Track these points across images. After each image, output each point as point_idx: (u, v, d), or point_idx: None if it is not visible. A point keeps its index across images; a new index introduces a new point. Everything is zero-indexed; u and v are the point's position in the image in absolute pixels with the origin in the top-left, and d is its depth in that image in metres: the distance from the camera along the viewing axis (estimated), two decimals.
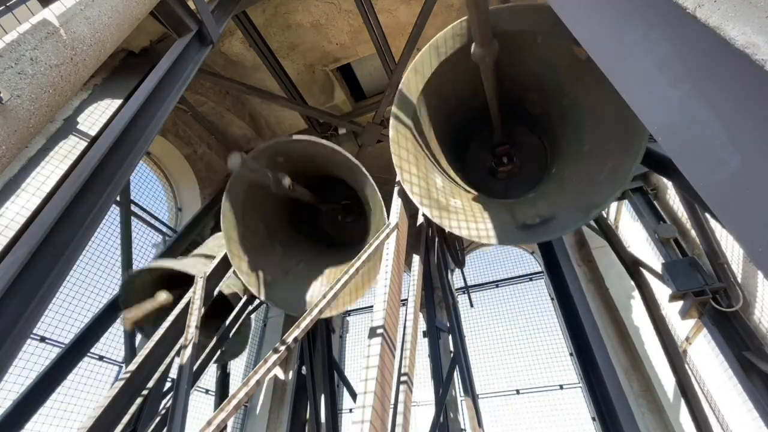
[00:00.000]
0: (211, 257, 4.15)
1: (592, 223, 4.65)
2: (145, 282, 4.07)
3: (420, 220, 3.40)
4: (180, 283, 3.97)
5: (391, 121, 2.83)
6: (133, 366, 2.75)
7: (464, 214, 2.72)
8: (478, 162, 3.52)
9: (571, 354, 5.86)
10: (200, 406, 5.98)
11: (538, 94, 2.97)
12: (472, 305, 7.00)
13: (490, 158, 3.42)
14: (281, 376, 6.93)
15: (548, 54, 2.59)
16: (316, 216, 4.74)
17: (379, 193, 3.37)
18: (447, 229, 2.68)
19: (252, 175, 3.06)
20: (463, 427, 5.26)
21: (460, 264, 6.18)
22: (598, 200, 2.39)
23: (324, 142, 3.49)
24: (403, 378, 2.08)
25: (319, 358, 6.03)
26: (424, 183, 2.80)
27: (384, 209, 3.29)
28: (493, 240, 2.56)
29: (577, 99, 2.66)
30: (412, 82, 2.85)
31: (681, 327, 3.67)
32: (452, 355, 5.32)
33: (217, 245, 4.51)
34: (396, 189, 3.12)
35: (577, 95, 2.65)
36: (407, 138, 2.86)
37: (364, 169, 3.42)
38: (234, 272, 3.86)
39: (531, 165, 3.31)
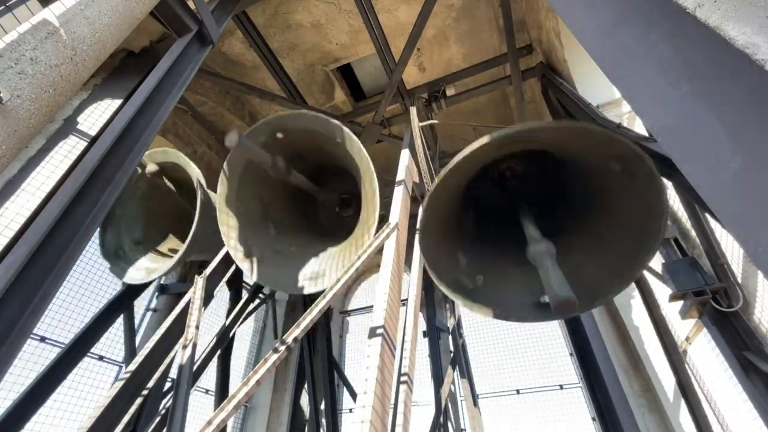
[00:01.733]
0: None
1: None
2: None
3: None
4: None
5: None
6: (133, 366, 2.75)
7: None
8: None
9: (571, 354, 5.85)
10: (200, 406, 5.98)
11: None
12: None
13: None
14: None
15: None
16: (314, 204, 4.66)
17: (376, 183, 3.25)
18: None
19: (249, 156, 2.96)
20: (463, 427, 5.27)
21: None
22: (600, 295, 2.68)
23: (324, 117, 3.31)
24: (403, 378, 2.08)
25: (319, 358, 6.03)
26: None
27: (377, 203, 3.21)
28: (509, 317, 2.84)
29: (602, 200, 2.77)
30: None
31: (681, 327, 3.66)
32: (452, 355, 5.33)
33: None
34: (396, 188, 3.12)
35: (602, 196, 2.76)
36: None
37: (364, 152, 3.24)
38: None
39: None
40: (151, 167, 4.28)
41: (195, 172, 4.36)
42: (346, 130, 3.29)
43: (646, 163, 2.15)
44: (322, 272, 3.59)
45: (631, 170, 2.28)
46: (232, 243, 3.65)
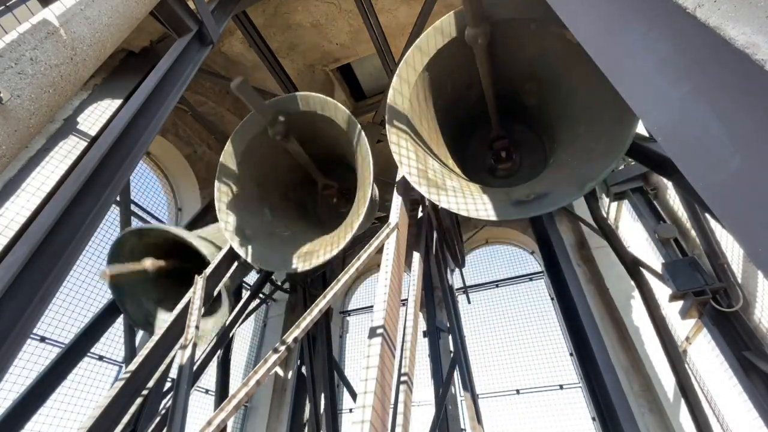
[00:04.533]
0: (208, 241, 4.18)
1: (592, 223, 4.65)
2: (136, 247, 3.99)
3: (420, 219, 3.40)
4: (172, 254, 4.06)
5: (387, 114, 2.86)
6: (133, 366, 2.74)
7: (462, 194, 2.69)
8: (478, 160, 3.51)
9: (571, 354, 5.86)
10: (200, 406, 5.98)
11: (534, 83, 2.99)
12: (469, 302, 7.07)
13: (489, 156, 3.41)
14: (281, 373, 6.95)
15: (541, 40, 2.61)
16: (311, 196, 4.68)
17: (371, 167, 3.26)
18: (441, 206, 2.62)
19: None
20: (463, 427, 5.26)
21: (460, 264, 6.18)
22: (593, 174, 2.38)
23: (332, 100, 3.42)
24: (403, 378, 2.08)
25: (319, 358, 6.03)
26: (422, 166, 2.80)
27: (368, 193, 3.21)
28: (485, 215, 2.52)
29: (571, 82, 2.68)
30: (404, 76, 2.88)
31: (681, 327, 3.67)
32: (452, 355, 5.32)
33: (214, 233, 4.49)
34: (396, 188, 3.12)
35: (570, 78, 2.67)
36: (405, 132, 2.89)
37: (364, 138, 3.34)
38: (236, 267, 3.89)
39: (531, 163, 3.31)
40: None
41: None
42: (350, 115, 3.44)
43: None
44: (313, 251, 3.60)
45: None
46: (229, 221, 3.74)
